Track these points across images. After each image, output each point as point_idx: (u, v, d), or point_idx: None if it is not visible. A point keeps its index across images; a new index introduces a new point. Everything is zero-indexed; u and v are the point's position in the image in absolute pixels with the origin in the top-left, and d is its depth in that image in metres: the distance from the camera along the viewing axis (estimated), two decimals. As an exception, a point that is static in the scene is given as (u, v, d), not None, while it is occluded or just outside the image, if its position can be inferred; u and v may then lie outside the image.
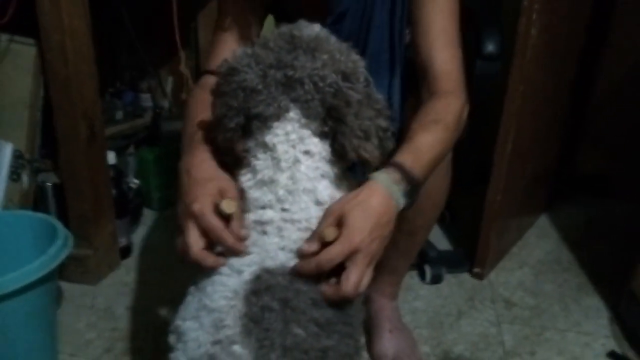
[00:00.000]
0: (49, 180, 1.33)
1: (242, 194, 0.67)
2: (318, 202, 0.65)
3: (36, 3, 1.14)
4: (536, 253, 1.58)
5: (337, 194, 0.67)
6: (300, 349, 0.55)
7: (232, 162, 0.71)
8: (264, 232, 0.63)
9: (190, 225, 0.64)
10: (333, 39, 0.68)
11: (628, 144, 1.87)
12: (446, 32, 0.83)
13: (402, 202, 0.68)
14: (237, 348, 0.55)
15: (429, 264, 1.39)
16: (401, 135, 0.86)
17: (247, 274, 0.60)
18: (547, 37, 1.27)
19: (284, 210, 0.64)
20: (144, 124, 1.83)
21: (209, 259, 0.63)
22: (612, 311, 1.29)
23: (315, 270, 0.60)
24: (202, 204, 0.64)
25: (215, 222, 0.63)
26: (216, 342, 0.56)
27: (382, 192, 0.66)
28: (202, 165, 0.70)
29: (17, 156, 1.27)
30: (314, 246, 0.61)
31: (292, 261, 0.61)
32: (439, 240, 1.59)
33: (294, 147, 0.64)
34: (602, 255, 1.57)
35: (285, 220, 0.63)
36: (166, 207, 1.75)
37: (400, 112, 0.93)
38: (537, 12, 1.17)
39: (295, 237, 0.63)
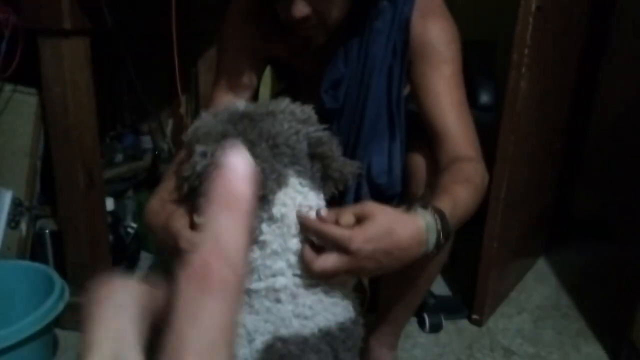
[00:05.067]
0: (47, 227, 1.34)
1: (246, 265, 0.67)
2: None
3: (39, 55, 1.16)
4: (535, 298, 1.57)
5: None
6: None
7: None
8: (278, 300, 0.62)
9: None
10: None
11: (624, 186, 1.88)
12: (457, 102, 0.85)
13: (430, 249, 0.67)
14: None
15: (428, 313, 1.38)
16: (403, 197, 0.86)
17: (259, 342, 0.59)
18: (537, 89, 1.30)
19: (295, 275, 0.63)
20: (144, 166, 1.83)
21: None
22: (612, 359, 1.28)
23: (312, 230, 0.62)
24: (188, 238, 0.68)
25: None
26: None
27: (419, 231, 0.65)
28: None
29: (16, 204, 1.28)
30: (329, 216, 0.63)
31: (305, 329, 0.60)
32: (437, 286, 1.58)
33: (300, 207, 0.64)
34: (600, 300, 1.56)
35: (298, 286, 0.62)
36: (164, 251, 1.74)
37: (401, 176, 0.93)
38: (527, 66, 1.20)
39: (310, 302, 0.62)
